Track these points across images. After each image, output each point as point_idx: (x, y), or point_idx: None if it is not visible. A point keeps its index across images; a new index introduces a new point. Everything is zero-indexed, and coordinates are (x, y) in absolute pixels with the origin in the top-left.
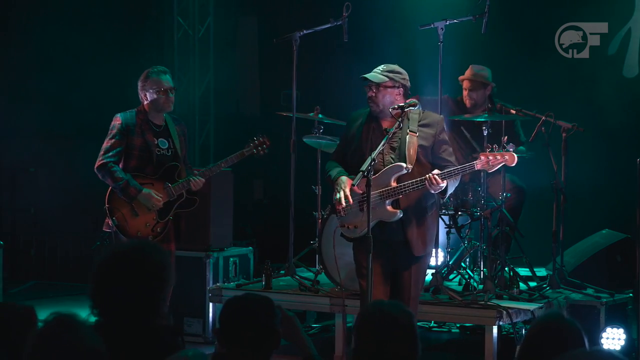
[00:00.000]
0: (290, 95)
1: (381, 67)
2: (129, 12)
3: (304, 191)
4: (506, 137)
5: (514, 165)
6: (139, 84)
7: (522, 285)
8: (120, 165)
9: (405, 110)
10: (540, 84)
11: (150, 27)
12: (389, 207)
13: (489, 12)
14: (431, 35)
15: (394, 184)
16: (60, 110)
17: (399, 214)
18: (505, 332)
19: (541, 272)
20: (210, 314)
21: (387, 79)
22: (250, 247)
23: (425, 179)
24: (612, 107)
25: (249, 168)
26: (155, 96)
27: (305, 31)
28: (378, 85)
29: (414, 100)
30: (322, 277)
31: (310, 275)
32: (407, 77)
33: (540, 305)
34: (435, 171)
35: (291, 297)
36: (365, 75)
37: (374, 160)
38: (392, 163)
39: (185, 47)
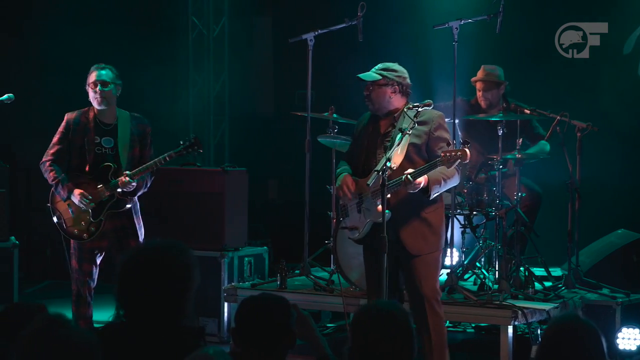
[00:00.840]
0: (305, 95)
1: (377, 66)
2: (143, 13)
3: (319, 191)
4: (521, 140)
5: (466, 162)
6: None
7: (537, 285)
8: (66, 164)
9: (420, 109)
10: (552, 84)
11: (165, 27)
12: (378, 207)
13: (503, 12)
14: (446, 35)
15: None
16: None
17: (387, 213)
18: (520, 332)
19: (556, 272)
20: (225, 314)
21: (379, 77)
22: (265, 247)
23: (401, 178)
24: (628, 107)
25: (263, 168)
26: (89, 90)
27: (320, 31)
28: (372, 83)
29: (429, 100)
30: (337, 277)
31: (325, 275)
32: (404, 75)
33: (556, 305)
34: (409, 170)
35: (306, 297)
36: (359, 75)
37: (389, 159)
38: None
39: (200, 47)
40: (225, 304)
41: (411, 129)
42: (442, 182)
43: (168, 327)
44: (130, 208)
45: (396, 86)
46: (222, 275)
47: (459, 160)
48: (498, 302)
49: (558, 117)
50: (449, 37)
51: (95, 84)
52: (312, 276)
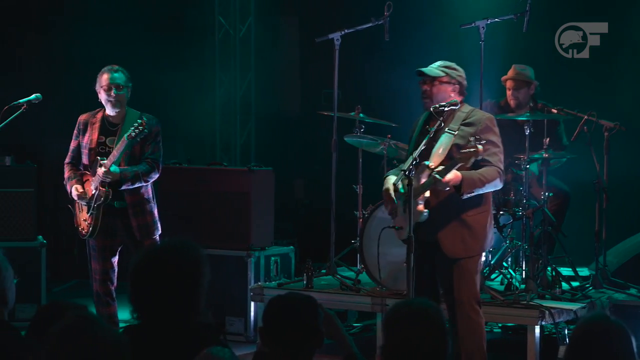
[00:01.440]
0: (332, 95)
1: (438, 63)
2: (170, 13)
3: (345, 190)
4: (548, 139)
5: (479, 158)
6: None
7: (564, 285)
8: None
9: (447, 109)
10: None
11: (192, 27)
12: (419, 207)
13: (530, 10)
14: (473, 35)
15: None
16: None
17: (425, 213)
18: (547, 332)
19: (584, 271)
20: (252, 313)
21: (443, 73)
22: (292, 247)
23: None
24: None
25: (290, 167)
26: (101, 93)
27: (346, 30)
28: (433, 79)
29: (456, 100)
30: (364, 277)
31: (351, 274)
32: (464, 75)
33: (583, 305)
34: (438, 168)
35: (332, 297)
36: (421, 69)
37: (415, 159)
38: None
39: (226, 47)
40: (252, 304)
41: (457, 129)
42: (479, 183)
43: (182, 324)
44: (134, 204)
45: (457, 85)
46: (249, 274)
47: (473, 158)
48: (525, 302)
49: (585, 117)
50: (476, 37)
51: (109, 87)
52: (338, 276)
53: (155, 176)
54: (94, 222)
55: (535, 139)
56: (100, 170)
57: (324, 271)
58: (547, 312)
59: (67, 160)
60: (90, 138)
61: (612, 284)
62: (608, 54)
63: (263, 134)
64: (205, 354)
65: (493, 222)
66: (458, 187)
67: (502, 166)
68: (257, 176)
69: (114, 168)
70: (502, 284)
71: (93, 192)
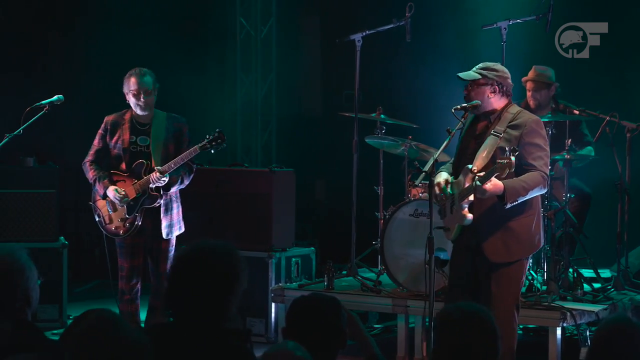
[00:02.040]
0: (353, 96)
1: (478, 65)
2: (191, 14)
3: (366, 191)
4: (570, 140)
5: (512, 170)
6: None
7: (586, 287)
8: (105, 163)
9: (503, 111)
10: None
11: (213, 28)
12: (463, 211)
13: (552, 11)
14: (494, 36)
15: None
16: (122, 110)
17: (469, 217)
18: (569, 334)
19: (605, 273)
20: (273, 314)
21: (479, 76)
22: (312, 248)
23: (472, 185)
24: None
25: (311, 168)
26: (129, 97)
27: (367, 31)
28: (471, 83)
29: (478, 101)
30: (384, 278)
31: (372, 275)
32: (505, 75)
33: (605, 306)
34: (480, 173)
35: (353, 298)
36: (459, 74)
37: (436, 160)
38: None
39: (248, 48)
40: (273, 305)
41: (503, 132)
42: (523, 191)
43: (211, 328)
44: (165, 203)
45: (496, 86)
46: (270, 275)
47: (507, 169)
48: (546, 304)
49: (607, 118)
50: (497, 38)
51: (138, 92)
52: (359, 277)
53: (191, 177)
54: (136, 222)
55: (557, 140)
56: (155, 175)
57: (344, 272)
58: (568, 313)
59: (90, 158)
60: (122, 138)
61: (634, 286)
62: (608, 54)
63: (284, 135)
64: (281, 348)
65: (542, 225)
66: (501, 197)
67: (547, 170)
68: (278, 177)
69: (167, 174)
70: (523, 285)
71: (137, 194)
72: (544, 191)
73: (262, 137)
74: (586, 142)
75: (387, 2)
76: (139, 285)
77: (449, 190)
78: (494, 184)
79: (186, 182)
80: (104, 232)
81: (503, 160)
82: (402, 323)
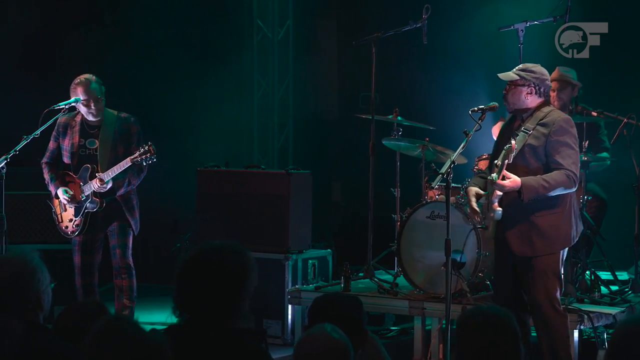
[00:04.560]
0: (369, 98)
1: (518, 66)
2: (208, 17)
3: (383, 193)
4: (587, 142)
5: (514, 152)
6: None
7: (603, 289)
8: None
9: (536, 109)
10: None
11: (230, 30)
12: (494, 205)
13: (569, 13)
14: (512, 37)
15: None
16: (140, 114)
17: (499, 211)
18: (586, 337)
19: (623, 275)
20: (289, 316)
21: (517, 77)
22: (329, 250)
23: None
24: None
25: (327, 170)
26: (79, 105)
27: (384, 33)
28: (509, 83)
29: (495, 103)
30: (401, 280)
31: (389, 277)
32: (543, 77)
33: (622, 309)
34: (493, 175)
35: (370, 300)
36: (499, 74)
37: (453, 162)
38: None
39: (265, 50)
40: (289, 307)
41: (533, 129)
42: (542, 188)
43: (223, 327)
44: (119, 205)
45: (532, 87)
46: (286, 277)
47: (510, 154)
48: (564, 306)
49: (625, 120)
50: (514, 39)
51: (88, 101)
52: (376, 279)
53: (143, 176)
54: (83, 223)
55: None
56: (96, 183)
57: (361, 274)
58: (585, 316)
59: (45, 159)
60: (71, 142)
61: None
62: (608, 54)
63: (301, 136)
64: (319, 330)
65: (574, 223)
66: (519, 191)
67: (574, 168)
68: (294, 179)
69: (108, 181)
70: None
71: (82, 197)
72: (570, 190)
73: (279, 139)
74: (603, 148)
75: (403, 4)
76: (95, 280)
77: (480, 202)
78: (512, 180)
79: (135, 183)
80: (59, 231)
81: (507, 146)
82: (418, 325)
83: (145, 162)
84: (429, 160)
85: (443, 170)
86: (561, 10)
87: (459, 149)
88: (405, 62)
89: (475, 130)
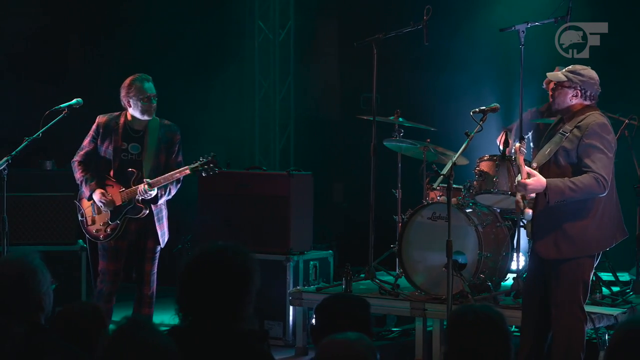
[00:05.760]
0: (371, 99)
1: (567, 67)
2: (210, 17)
3: (385, 194)
4: None
5: (522, 152)
6: (123, 90)
7: (605, 290)
8: (94, 165)
9: (578, 112)
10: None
11: (231, 31)
12: (525, 207)
13: (570, 14)
14: (513, 38)
15: None
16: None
17: (527, 213)
18: (587, 338)
19: (624, 276)
20: (291, 317)
21: (565, 78)
22: (331, 251)
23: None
24: None
25: (329, 171)
26: (139, 103)
27: (385, 34)
28: (557, 83)
29: (496, 104)
30: (403, 281)
31: (390, 279)
32: (591, 81)
33: (624, 310)
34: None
35: (371, 301)
36: (547, 73)
37: (454, 163)
38: None
39: (266, 51)
40: (291, 308)
41: (570, 132)
42: (568, 191)
43: (226, 329)
44: (151, 214)
45: (578, 90)
46: (288, 278)
47: (517, 154)
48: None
49: (626, 121)
50: (515, 41)
51: (148, 97)
52: (377, 280)
53: (180, 186)
54: (118, 229)
55: None
56: (142, 188)
57: (362, 275)
58: (587, 317)
59: (78, 158)
60: (113, 145)
61: None
62: (608, 54)
63: (302, 138)
64: (342, 339)
65: (607, 228)
66: (545, 194)
67: (604, 172)
68: (296, 180)
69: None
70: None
71: (123, 203)
72: (599, 194)
73: (280, 140)
74: None
75: (405, 6)
76: (116, 288)
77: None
78: (536, 180)
79: (173, 193)
80: (85, 233)
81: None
82: (419, 326)
83: (206, 173)
84: (430, 161)
85: (444, 171)
86: (562, 11)
87: (461, 150)
88: (406, 63)
89: (477, 132)
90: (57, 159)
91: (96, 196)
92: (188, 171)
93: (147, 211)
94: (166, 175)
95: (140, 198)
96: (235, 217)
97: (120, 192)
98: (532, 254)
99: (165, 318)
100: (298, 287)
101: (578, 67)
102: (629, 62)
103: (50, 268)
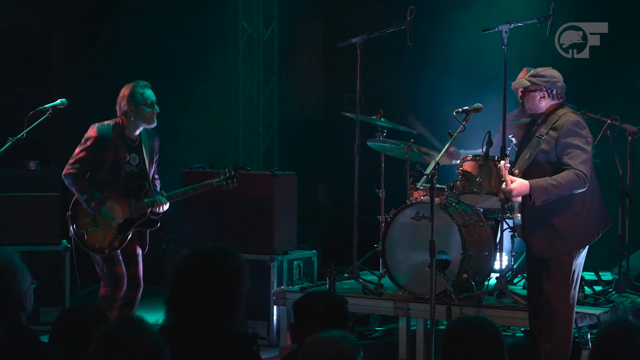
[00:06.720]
0: (354, 99)
1: (530, 71)
2: (194, 17)
3: (368, 194)
4: None
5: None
6: (123, 99)
7: (587, 290)
8: (88, 176)
9: (551, 113)
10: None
11: (215, 31)
12: (514, 211)
13: (554, 15)
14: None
15: None
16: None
17: (516, 216)
18: None
19: (607, 276)
20: (275, 317)
21: (528, 83)
22: (314, 251)
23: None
24: None
25: (313, 171)
26: (143, 110)
27: (369, 35)
28: (523, 90)
29: (479, 104)
30: (386, 281)
31: (374, 278)
32: (554, 80)
33: (606, 309)
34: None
35: (355, 301)
36: (512, 83)
37: (437, 164)
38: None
39: (250, 52)
40: (275, 308)
41: (546, 134)
42: (552, 188)
43: (218, 331)
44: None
45: (545, 91)
46: (272, 278)
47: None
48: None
49: (608, 121)
50: (499, 41)
51: (152, 104)
52: (360, 280)
53: None
54: (126, 242)
55: None
56: (160, 204)
57: (346, 275)
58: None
59: (73, 170)
60: (117, 157)
61: (635, 289)
62: (608, 54)
63: (286, 138)
64: (327, 338)
65: (592, 223)
66: (530, 196)
67: (583, 167)
68: (280, 180)
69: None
70: (524, 288)
71: (131, 216)
72: (581, 188)
73: (264, 141)
74: None
75: (388, 6)
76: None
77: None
78: (519, 183)
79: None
80: (81, 245)
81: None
82: (403, 326)
83: (227, 187)
84: (413, 161)
85: (428, 171)
86: (546, 12)
87: (444, 150)
88: (390, 64)
89: (460, 132)
90: (41, 159)
91: (111, 209)
92: (214, 185)
93: (158, 225)
94: (186, 189)
95: (156, 210)
96: (219, 217)
97: (130, 205)
98: (528, 254)
99: (151, 318)
100: (282, 287)
101: (540, 69)
102: (629, 62)
103: (34, 268)
